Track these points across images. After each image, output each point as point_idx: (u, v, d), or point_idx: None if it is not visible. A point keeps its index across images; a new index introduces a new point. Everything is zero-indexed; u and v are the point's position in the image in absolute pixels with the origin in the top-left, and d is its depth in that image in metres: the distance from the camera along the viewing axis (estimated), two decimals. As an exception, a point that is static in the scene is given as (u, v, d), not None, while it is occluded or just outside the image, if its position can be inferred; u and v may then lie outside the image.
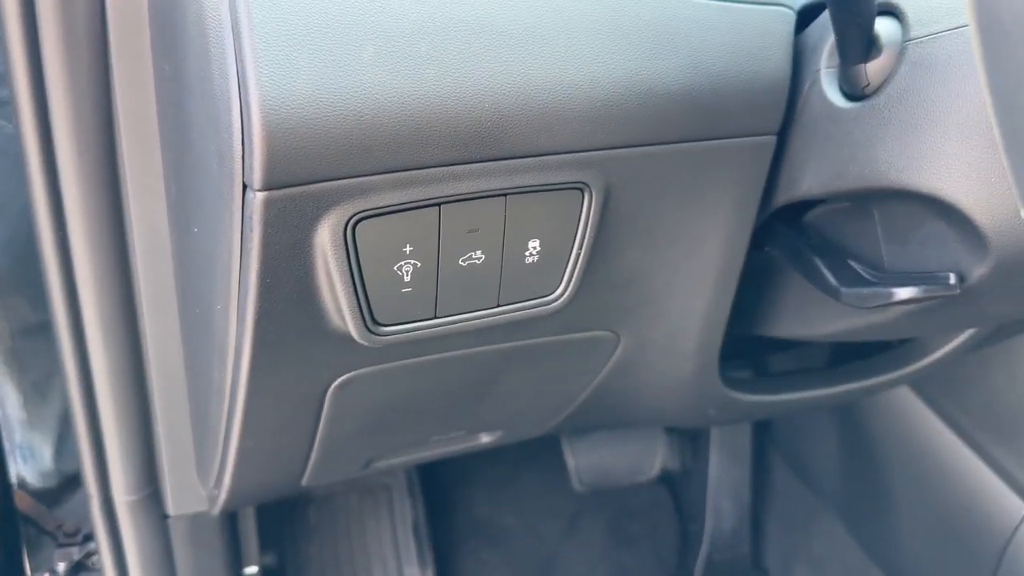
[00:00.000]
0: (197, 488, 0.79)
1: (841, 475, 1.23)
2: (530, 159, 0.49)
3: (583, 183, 0.51)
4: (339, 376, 0.57)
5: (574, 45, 0.48)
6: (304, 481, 0.73)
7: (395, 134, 0.44)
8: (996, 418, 1.00)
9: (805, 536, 1.30)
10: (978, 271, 0.50)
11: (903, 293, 0.52)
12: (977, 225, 0.48)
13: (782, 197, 0.59)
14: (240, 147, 0.42)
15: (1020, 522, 0.98)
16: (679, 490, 1.37)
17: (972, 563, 1.03)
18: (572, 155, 0.50)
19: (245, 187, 0.44)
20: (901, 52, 0.49)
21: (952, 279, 0.51)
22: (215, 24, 0.42)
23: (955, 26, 0.47)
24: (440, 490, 1.31)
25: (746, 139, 0.55)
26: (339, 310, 0.50)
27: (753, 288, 0.67)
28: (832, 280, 0.56)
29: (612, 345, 0.65)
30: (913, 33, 0.49)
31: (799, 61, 0.55)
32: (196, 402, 0.71)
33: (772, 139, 0.56)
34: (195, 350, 0.66)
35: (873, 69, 0.50)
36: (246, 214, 0.45)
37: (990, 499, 1.01)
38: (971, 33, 0.30)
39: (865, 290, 0.54)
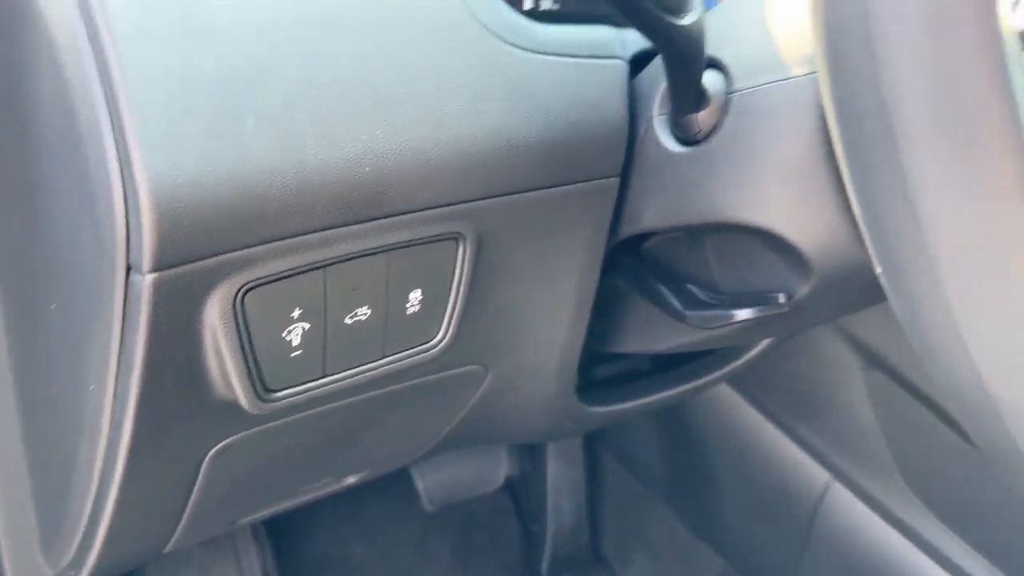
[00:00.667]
0: (43, 569, 0.74)
1: (666, 464, 1.34)
2: (409, 215, 0.51)
3: (458, 233, 0.54)
4: (220, 442, 0.56)
5: (445, 105, 0.50)
6: (168, 547, 0.70)
7: (281, 204, 0.45)
8: (799, 398, 1.12)
9: (639, 523, 1.39)
10: (803, 289, 0.58)
11: (741, 315, 0.58)
12: (801, 252, 0.55)
13: (626, 230, 0.64)
14: (124, 230, 0.41)
15: (825, 488, 1.12)
16: (521, 496, 1.42)
17: (788, 528, 1.16)
18: (447, 208, 0.52)
19: (129, 268, 0.43)
20: (727, 103, 0.56)
21: (782, 298, 0.58)
22: (84, 104, 0.41)
23: (772, 80, 0.54)
24: (286, 532, 1.28)
25: (593, 182, 0.60)
26: (228, 381, 0.49)
27: (602, 310, 0.73)
28: (677, 305, 0.62)
29: (481, 377, 0.68)
30: (736, 86, 0.55)
31: (634, 108, 0.60)
32: (45, 481, 0.66)
33: (616, 180, 0.61)
34: (43, 428, 0.62)
35: (703, 118, 0.56)
36: (131, 296, 0.43)
37: (798, 471, 1.14)
38: (815, 44, 0.35)
39: (708, 313, 0.60)
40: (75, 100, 0.41)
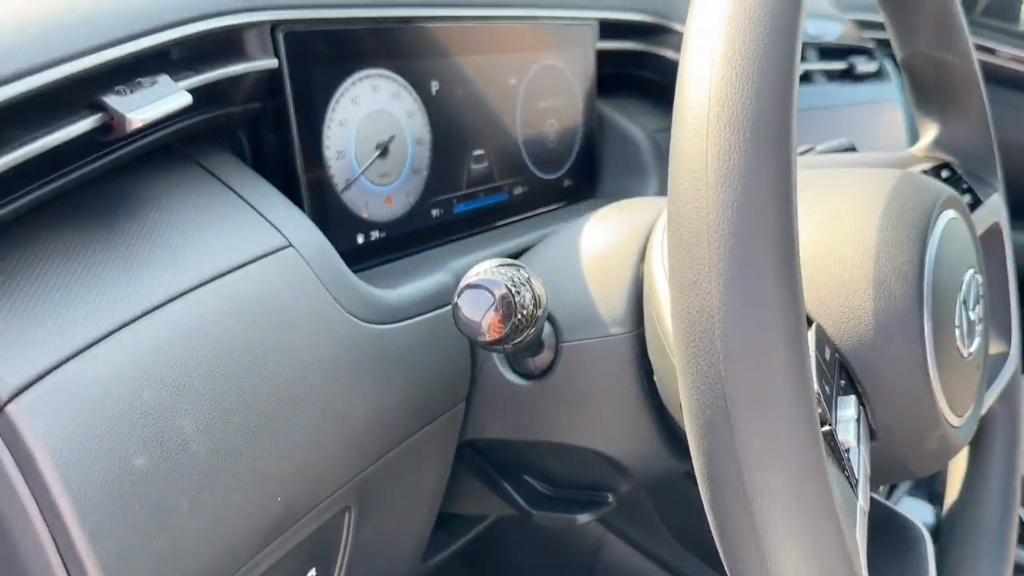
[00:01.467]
0: None
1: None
2: (309, 513, 0.56)
3: (347, 506, 0.60)
4: None
5: (332, 402, 0.55)
6: None
7: (216, 561, 0.48)
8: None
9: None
10: (624, 487, 0.70)
11: (582, 518, 0.70)
12: (624, 465, 0.68)
13: (470, 435, 0.73)
14: None
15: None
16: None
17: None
18: (339, 491, 0.58)
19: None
20: (559, 350, 0.66)
21: (611, 498, 0.70)
22: (32, 548, 0.41)
23: (596, 336, 0.65)
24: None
25: (448, 413, 0.68)
26: None
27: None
28: (524, 505, 0.72)
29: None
30: (566, 338, 0.66)
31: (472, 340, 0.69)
32: None
33: (464, 404, 0.69)
34: None
35: (538, 360, 0.66)
36: None
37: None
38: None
39: (553, 515, 0.71)
40: (17, 538, 0.41)
